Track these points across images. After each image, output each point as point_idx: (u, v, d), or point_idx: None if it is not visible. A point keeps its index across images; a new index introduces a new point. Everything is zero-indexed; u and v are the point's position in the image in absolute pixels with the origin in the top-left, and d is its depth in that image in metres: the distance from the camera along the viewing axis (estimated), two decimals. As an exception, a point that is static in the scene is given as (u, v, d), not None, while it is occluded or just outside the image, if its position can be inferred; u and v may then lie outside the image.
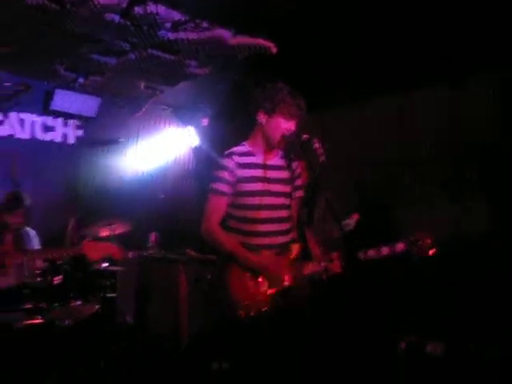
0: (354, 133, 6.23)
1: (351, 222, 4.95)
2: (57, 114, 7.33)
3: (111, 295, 5.79)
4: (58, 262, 4.96)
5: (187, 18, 5.04)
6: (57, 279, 5.05)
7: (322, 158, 3.33)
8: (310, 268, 3.46)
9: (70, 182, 7.52)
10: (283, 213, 3.58)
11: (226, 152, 3.57)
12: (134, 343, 5.52)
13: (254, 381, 3.34)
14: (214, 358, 4.50)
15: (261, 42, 5.46)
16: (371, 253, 3.52)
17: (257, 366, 3.31)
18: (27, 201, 5.40)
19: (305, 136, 3.40)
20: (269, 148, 3.58)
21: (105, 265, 5.72)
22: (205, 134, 8.34)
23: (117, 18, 5.06)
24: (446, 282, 4.87)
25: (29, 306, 4.63)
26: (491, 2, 4.37)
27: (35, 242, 5.70)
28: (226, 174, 3.48)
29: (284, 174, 3.62)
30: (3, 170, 6.76)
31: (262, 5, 4.78)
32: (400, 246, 3.52)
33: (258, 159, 3.56)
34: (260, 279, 3.37)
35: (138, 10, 4.89)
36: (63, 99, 7.09)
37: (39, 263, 5.10)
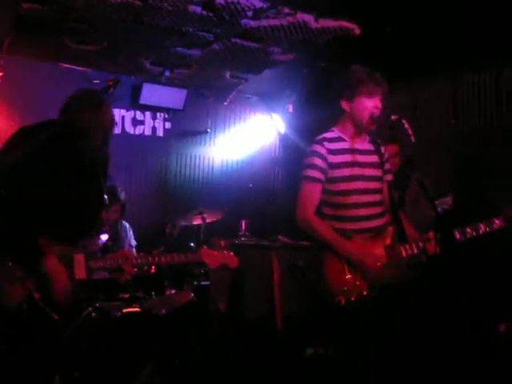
0: (449, 107, 6.02)
1: (447, 202, 4.80)
2: (145, 108, 7.51)
3: (204, 283, 5.87)
4: (154, 252, 5.06)
5: (268, 4, 5.01)
6: (153, 269, 5.16)
7: (413, 138, 3.24)
8: (407, 250, 3.39)
9: (160, 174, 7.69)
10: (376, 197, 3.54)
11: (317, 138, 3.54)
12: (227, 330, 5.58)
13: (354, 366, 3.30)
14: (309, 344, 4.49)
15: (343, 24, 5.36)
16: (468, 230, 3.42)
17: (357, 352, 3.27)
18: (122, 195, 5.53)
19: (394, 117, 3.32)
20: (358, 132, 3.53)
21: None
22: (291, 120, 8.32)
23: (199, 9, 5.10)
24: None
25: (126, 295, 4.76)
26: None
27: (131, 235, 5.87)
28: (318, 161, 3.45)
29: (375, 159, 3.57)
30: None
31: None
32: (497, 223, 3.42)
33: (347, 144, 3.52)
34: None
35: (219, 0, 4.91)
36: (151, 93, 7.24)
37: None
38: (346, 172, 3.46)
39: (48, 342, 3.05)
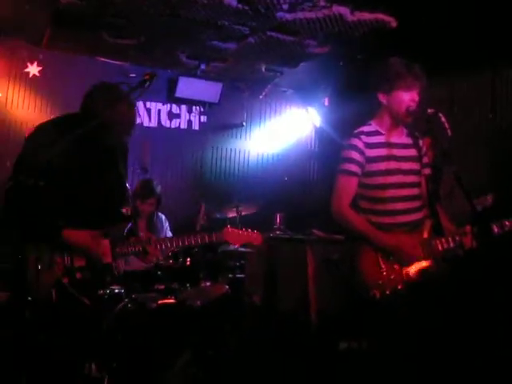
0: (487, 102, 5.93)
1: (487, 200, 4.74)
2: (181, 102, 7.57)
3: (240, 276, 5.90)
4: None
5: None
6: (188, 261, 5.20)
7: (449, 132, 3.21)
8: (444, 244, 3.36)
9: (196, 167, 7.74)
10: (414, 190, 3.51)
11: (355, 132, 3.53)
12: (262, 323, 5.60)
13: (388, 360, 3.29)
14: (343, 338, 4.48)
15: (380, 16, 5.31)
16: (507, 223, 3.39)
17: (392, 346, 3.26)
18: (158, 188, 5.60)
19: (430, 110, 3.29)
20: (395, 125, 3.50)
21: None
22: (327, 114, 8.28)
23: (234, 2, 5.11)
24: None
25: (162, 286, 4.81)
26: None
27: (167, 227, 5.93)
28: (355, 154, 3.44)
29: (412, 152, 3.54)
30: (133, 157, 7.06)
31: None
32: None
33: (384, 138, 3.50)
34: (392, 258, 3.31)
35: (254, -7, 4.92)
36: (187, 86, 7.29)
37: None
38: (382, 166, 3.44)
39: (84, 327, 3.11)
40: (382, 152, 3.46)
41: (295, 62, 6.88)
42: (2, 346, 3.09)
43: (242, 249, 6.08)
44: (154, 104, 7.40)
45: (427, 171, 3.60)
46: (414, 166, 3.52)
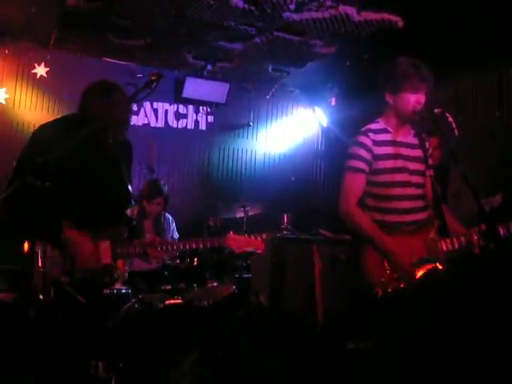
0: (494, 99, 5.91)
1: (495, 201, 4.73)
2: (188, 102, 7.58)
3: (246, 276, 5.90)
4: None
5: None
6: (195, 261, 5.21)
7: (456, 132, 3.20)
8: (448, 245, 3.36)
9: (203, 167, 7.76)
10: (419, 191, 3.51)
11: (363, 129, 3.52)
12: (268, 323, 5.59)
13: (391, 358, 3.29)
14: (350, 338, 4.48)
15: (386, 16, 5.31)
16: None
17: (394, 344, 3.26)
18: (165, 188, 5.61)
19: (437, 110, 3.28)
20: (402, 124, 3.50)
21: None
22: (333, 114, 8.28)
23: (241, 3, 5.12)
24: None
25: (168, 287, 4.83)
26: None
27: (174, 228, 5.94)
28: (363, 152, 3.43)
29: (419, 153, 3.54)
30: (140, 158, 7.08)
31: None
32: None
33: (391, 136, 3.50)
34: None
35: (261, -7, 4.93)
36: (194, 87, 7.30)
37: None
38: (389, 164, 3.44)
39: (77, 324, 3.13)
40: (390, 150, 3.46)
41: (302, 61, 6.89)
42: (8, 346, 3.11)
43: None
44: (161, 104, 7.43)
45: (431, 172, 3.60)
46: (420, 166, 3.52)
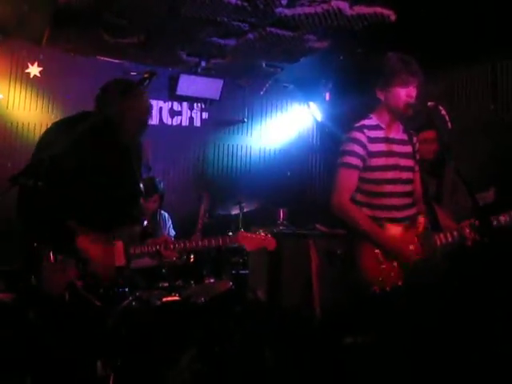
0: (488, 93, 5.91)
1: (489, 196, 4.74)
2: (182, 99, 7.58)
3: (243, 272, 5.91)
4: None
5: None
6: (192, 258, 5.21)
7: (450, 125, 3.21)
8: (442, 239, 3.37)
9: (198, 163, 7.76)
10: (408, 187, 3.52)
11: (357, 125, 3.50)
12: (266, 318, 5.60)
13: (389, 354, 3.30)
14: (347, 333, 4.49)
15: (379, 10, 5.30)
16: (502, 219, 3.38)
17: (390, 341, 3.27)
18: (161, 186, 5.62)
19: (430, 103, 3.28)
20: (394, 120, 3.50)
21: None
22: (328, 108, 8.28)
23: (233, -1, 5.13)
24: None
25: (166, 284, 4.83)
26: None
27: (170, 225, 5.94)
28: (357, 148, 3.42)
29: (409, 149, 3.55)
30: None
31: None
32: None
33: (384, 133, 3.50)
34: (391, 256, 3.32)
35: (253, -11, 4.92)
36: (188, 84, 7.30)
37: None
38: (381, 161, 3.44)
39: (91, 328, 3.12)
40: (383, 147, 3.46)
41: (295, 57, 6.88)
42: (6, 346, 3.11)
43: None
44: (155, 102, 7.41)
45: (418, 168, 3.62)
46: (410, 162, 3.54)
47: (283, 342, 5.05)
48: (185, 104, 7.67)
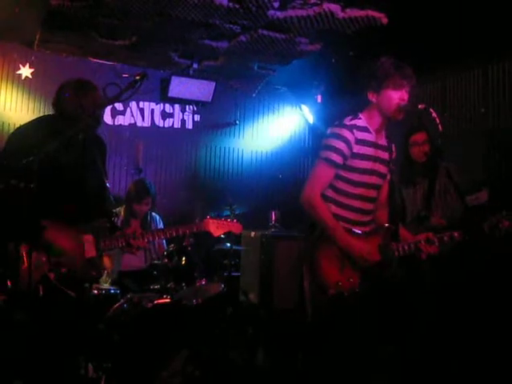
0: (479, 98, 5.93)
1: (482, 196, 4.76)
2: (174, 101, 7.57)
3: (235, 274, 5.91)
4: (184, 244, 5.12)
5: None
6: (183, 260, 5.21)
7: (441, 127, 3.22)
8: (400, 250, 3.38)
9: (190, 166, 7.75)
10: (376, 193, 3.52)
11: (347, 124, 3.41)
12: (258, 320, 5.61)
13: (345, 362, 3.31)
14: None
15: (371, 13, 5.32)
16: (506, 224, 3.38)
17: (350, 347, 3.27)
18: (152, 188, 5.64)
19: (421, 106, 3.29)
20: (384, 124, 3.47)
21: (228, 245, 5.86)
22: (320, 111, 8.30)
23: (225, 1, 5.12)
24: None
25: (157, 286, 4.83)
26: None
27: (161, 226, 5.93)
28: (343, 146, 3.35)
29: (386, 155, 3.53)
30: (127, 158, 7.08)
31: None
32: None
33: (372, 137, 3.45)
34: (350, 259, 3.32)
35: (245, -9, 4.93)
36: (180, 86, 7.29)
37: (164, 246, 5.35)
38: (365, 165, 3.40)
39: (68, 318, 3.18)
40: (371, 151, 3.41)
41: (287, 59, 6.89)
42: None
43: (238, 247, 6.12)
44: (147, 104, 7.41)
45: (390, 176, 3.58)
46: (385, 169, 3.52)
47: (275, 344, 5.05)
48: (177, 106, 7.67)
